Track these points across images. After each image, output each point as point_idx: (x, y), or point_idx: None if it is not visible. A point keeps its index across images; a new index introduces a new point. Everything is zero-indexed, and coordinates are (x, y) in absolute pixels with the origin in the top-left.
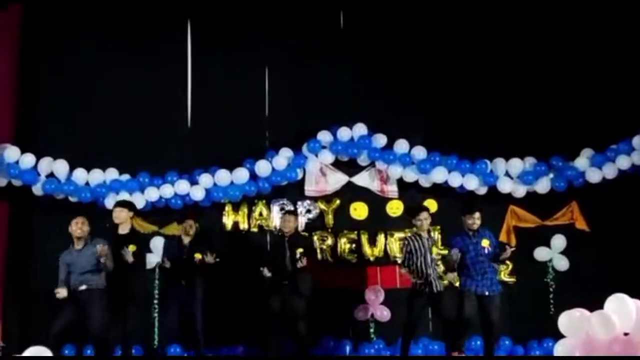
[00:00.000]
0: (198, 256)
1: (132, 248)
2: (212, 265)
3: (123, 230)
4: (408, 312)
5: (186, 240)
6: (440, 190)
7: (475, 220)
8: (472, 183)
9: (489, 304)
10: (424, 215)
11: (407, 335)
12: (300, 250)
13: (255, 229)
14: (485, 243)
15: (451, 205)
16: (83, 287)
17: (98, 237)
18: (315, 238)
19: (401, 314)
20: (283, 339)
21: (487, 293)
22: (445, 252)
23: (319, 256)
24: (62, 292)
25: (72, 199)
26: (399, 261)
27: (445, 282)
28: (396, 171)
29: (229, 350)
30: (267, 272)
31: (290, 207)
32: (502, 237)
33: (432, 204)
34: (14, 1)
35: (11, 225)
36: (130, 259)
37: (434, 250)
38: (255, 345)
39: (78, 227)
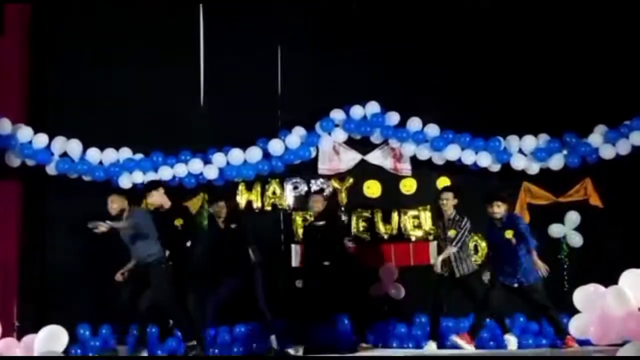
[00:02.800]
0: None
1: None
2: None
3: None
4: (433, 294)
5: (220, 222)
6: (453, 168)
7: (494, 209)
8: (485, 160)
9: (528, 293)
10: (445, 195)
11: (434, 316)
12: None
13: (268, 208)
14: (508, 234)
15: (465, 182)
16: (148, 260)
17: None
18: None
19: (415, 292)
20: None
21: (516, 285)
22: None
23: None
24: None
25: (85, 178)
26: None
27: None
28: (409, 149)
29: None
30: (299, 284)
31: (317, 187)
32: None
33: (445, 182)
34: None
35: (25, 205)
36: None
37: (452, 232)
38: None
39: (109, 207)
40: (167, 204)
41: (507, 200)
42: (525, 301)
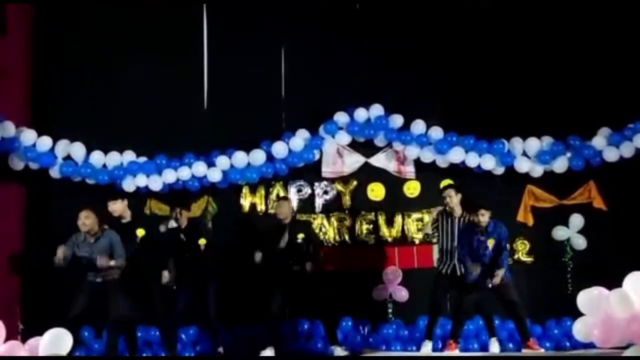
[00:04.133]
0: (202, 242)
1: (140, 232)
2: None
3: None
4: (432, 293)
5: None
6: (457, 171)
7: (479, 217)
8: (489, 163)
9: (502, 291)
10: (448, 192)
11: (432, 316)
12: (301, 235)
13: (272, 211)
14: (490, 243)
15: (468, 185)
16: (99, 280)
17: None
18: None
19: (419, 294)
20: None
21: (490, 286)
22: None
23: (337, 237)
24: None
25: (89, 181)
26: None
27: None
28: (413, 152)
29: (242, 329)
30: (258, 257)
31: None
32: (520, 217)
33: (447, 182)
34: None
35: (28, 209)
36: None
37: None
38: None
39: (81, 222)
40: (128, 215)
41: (489, 208)
42: (499, 298)
